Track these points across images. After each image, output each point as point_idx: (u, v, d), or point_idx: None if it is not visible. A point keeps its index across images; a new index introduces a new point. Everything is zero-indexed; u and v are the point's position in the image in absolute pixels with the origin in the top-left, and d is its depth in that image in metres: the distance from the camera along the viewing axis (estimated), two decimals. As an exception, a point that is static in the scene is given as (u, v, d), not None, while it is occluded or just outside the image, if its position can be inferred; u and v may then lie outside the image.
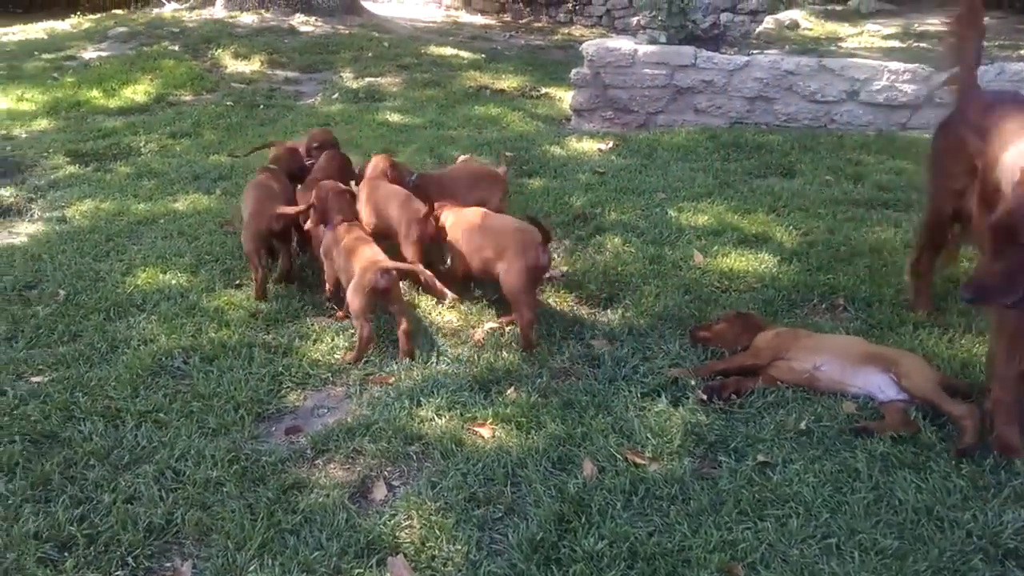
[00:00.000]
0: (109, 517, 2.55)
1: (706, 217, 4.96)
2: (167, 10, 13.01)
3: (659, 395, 3.18)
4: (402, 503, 2.60)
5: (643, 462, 2.78)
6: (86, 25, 12.33)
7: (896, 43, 8.91)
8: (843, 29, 9.87)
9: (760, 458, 2.80)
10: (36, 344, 3.60)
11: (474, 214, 3.89)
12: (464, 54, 10.68)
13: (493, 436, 2.95)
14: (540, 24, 14.50)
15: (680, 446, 2.87)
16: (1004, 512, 2.53)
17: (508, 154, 6.03)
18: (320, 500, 2.61)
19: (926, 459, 2.79)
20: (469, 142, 6.63)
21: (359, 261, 3.53)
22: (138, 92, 8.33)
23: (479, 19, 14.89)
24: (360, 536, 2.45)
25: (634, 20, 13.07)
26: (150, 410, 3.10)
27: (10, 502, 2.60)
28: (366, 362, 3.45)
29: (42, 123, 7.44)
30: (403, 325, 3.49)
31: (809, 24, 10.44)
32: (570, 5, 14.62)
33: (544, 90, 8.92)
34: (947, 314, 3.79)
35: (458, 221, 3.88)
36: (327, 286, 3.90)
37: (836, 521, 2.50)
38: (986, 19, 9.62)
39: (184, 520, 2.54)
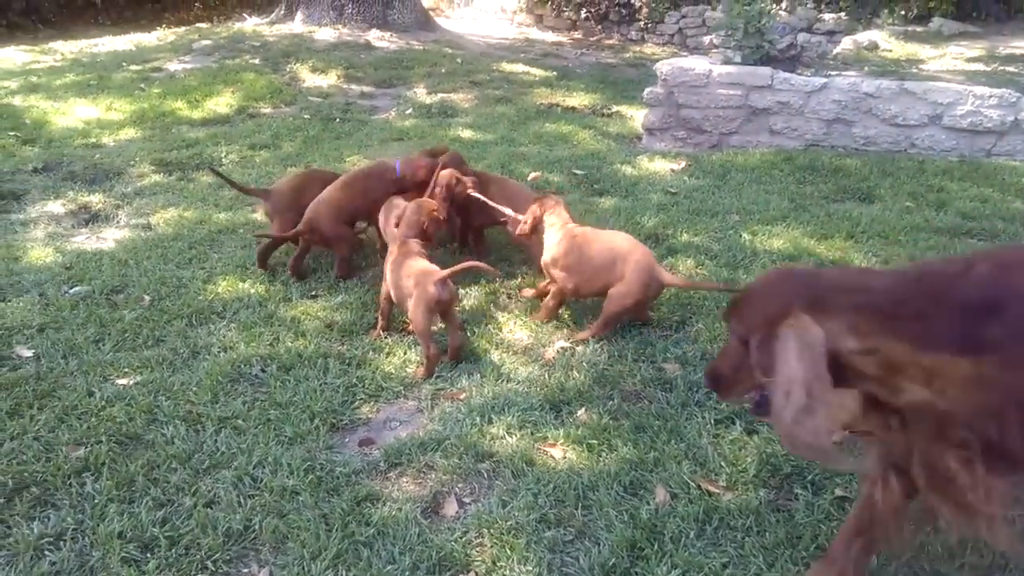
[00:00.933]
0: (190, 520, 2.62)
1: (781, 241, 4.88)
2: (248, 24, 13.41)
3: (733, 423, 3.13)
4: (473, 520, 2.61)
5: (717, 491, 2.74)
6: (171, 38, 12.78)
7: (980, 66, 8.65)
8: (924, 51, 9.63)
9: (838, 492, 2.74)
10: (122, 347, 3.73)
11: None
12: (535, 71, 10.75)
13: (564, 457, 2.94)
14: (611, 42, 14.52)
15: (755, 476, 2.82)
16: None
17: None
18: (393, 513, 2.64)
19: (1014, 501, 2.69)
20: (540, 159, 6.65)
21: (411, 275, 3.60)
22: (220, 104, 8.59)
23: (550, 36, 14.97)
24: (432, 552, 2.46)
25: (706, 39, 13.02)
26: (229, 416, 3.18)
27: (96, 501, 2.69)
28: (437, 377, 3.48)
29: (129, 132, 7.72)
30: (453, 341, 3.58)
31: (888, 45, 10.22)
32: (642, 23, 14.61)
33: (615, 108, 8.91)
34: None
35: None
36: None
37: (918, 559, 2.42)
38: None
39: (261, 527, 2.59)
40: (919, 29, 11.29)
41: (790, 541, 2.52)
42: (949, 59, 9.34)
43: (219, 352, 3.66)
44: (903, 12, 11.99)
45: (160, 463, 2.90)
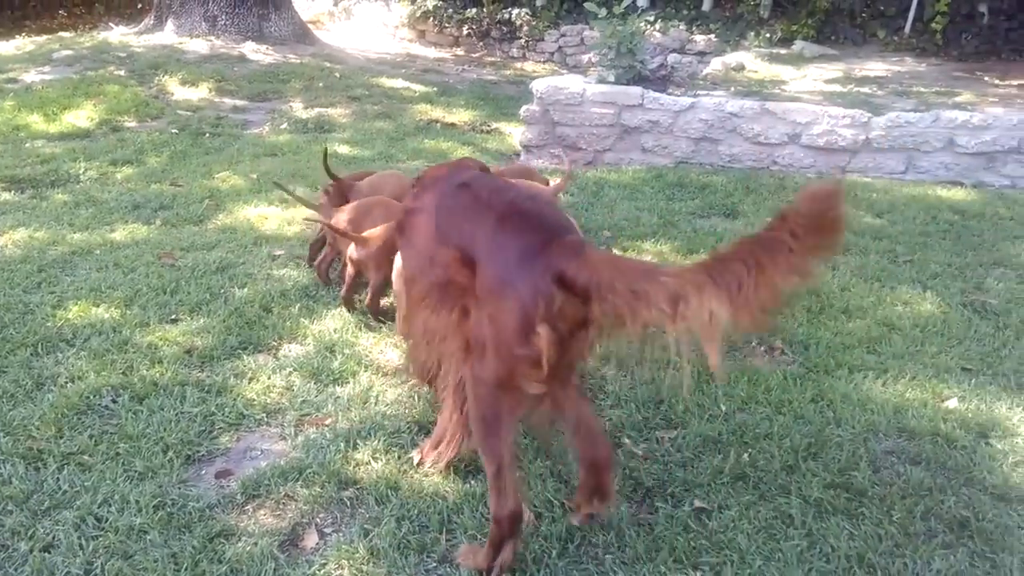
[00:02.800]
0: (25, 566, 2.45)
1: (650, 257, 5.00)
2: (115, 34, 12.82)
3: (598, 438, 3.17)
4: (333, 552, 2.54)
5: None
6: (30, 47, 12.08)
7: (838, 87, 9.14)
8: (787, 72, 10.11)
9: (697, 503, 2.81)
10: (-43, 380, 3.46)
11: None
12: (416, 87, 10.71)
13: (430, 480, 2.90)
14: (493, 59, 14.63)
15: (618, 491, 2.86)
16: (933, 560, 2.57)
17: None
18: (248, 549, 2.53)
19: (859, 505, 2.82)
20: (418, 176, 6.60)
21: None
22: (80, 117, 8.16)
23: (432, 52, 14.96)
24: (288, 587, 2.38)
25: (585, 57, 13.30)
26: (74, 451, 2.99)
27: (-82, 551, 2.48)
28: (302, 402, 3.38)
29: (-23, 147, 7.23)
30: None
31: (755, 66, 10.67)
32: (523, 41, 14.79)
33: (495, 125, 8.97)
34: (882, 357, 3.87)
35: None
36: None
37: (769, 569, 2.51)
38: (922, 66, 9.91)
39: (104, 570, 2.44)
40: (783, 51, 11.86)
41: (649, 555, 2.56)
42: (810, 80, 9.83)
43: (66, 383, 3.44)
44: (768, 35, 12.57)
45: (-6, 506, 2.70)
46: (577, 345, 2.25)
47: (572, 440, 2.58)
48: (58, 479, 2.84)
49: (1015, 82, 9.32)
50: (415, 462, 2.95)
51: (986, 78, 9.61)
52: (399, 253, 3.19)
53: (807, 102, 7.46)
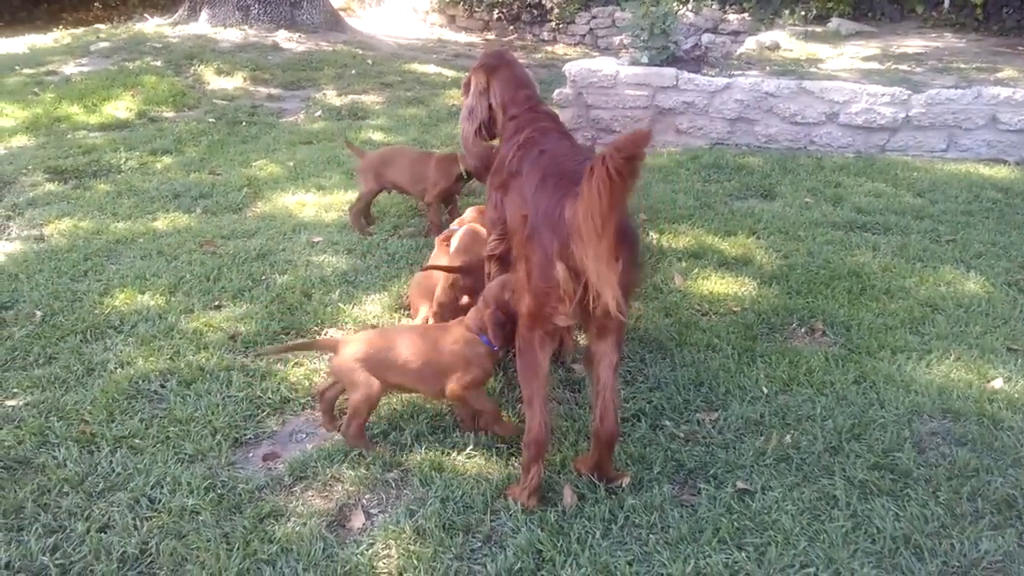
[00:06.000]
0: (82, 547, 2.51)
1: (687, 239, 4.98)
2: (150, 25, 12.98)
3: (639, 420, 3.18)
4: (380, 532, 2.58)
5: (623, 489, 2.78)
6: (67, 40, 12.28)
7: (875, 65, 9.00)
8: (823, 50, 9.97)
9: (739, 485, 2.81)
10: (11, 367, 3.56)
11: None
12: (448, 72, 10.71)
13: (473, 462, 2.93)
14: (524, 42, 14.59)
15: (660, 472, 2.87)
16: (981, 541, 2.55)
17: None
18: (297, 529, 2.58)
19: (904, 486, 2.80)
20: (452, 161, 6.62)
21: None
22: (119, 108, 8.29)
23: (463, 37, 14.95)
24: (337, 567, 2.43)
25: (616, 40, 13.19)
26: (126, 435, 3.06)
27: (-19, 531, 2.56)
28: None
29: (21, 139, 7.38)
30: None
31: (790, 45, 10.55)
32: (553, 24, 14.72)
33: (527, 109, 8.93)
34: (925, 338, 3.82)
35: None
36: None
37: (814, 550, 2.50)
38: (962, 42, 9.75)
39: (159, 550, 2.50)
40: (819, 29, 11.69)
41: (693, 535, 2.57)
42: (847, 58, 9.69)
43: (115, 368, 3.52)
44: (803, 13, 12.40)
45: (51, 487, 2.78)
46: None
47: (593, 405, 2.76)
48: (111, 462, 2.91)
49: (1060, 56, 9.10)
50: None
51: (1029, 53, 9.39)
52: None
53: (844, 80, 7.35)
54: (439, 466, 2.90)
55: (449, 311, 3.60)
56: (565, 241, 2.41)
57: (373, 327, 3.83)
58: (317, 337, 3.79)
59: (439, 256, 3.99)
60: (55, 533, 2.57)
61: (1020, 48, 9.87)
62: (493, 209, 3.32)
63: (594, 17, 14.36)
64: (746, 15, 12.91)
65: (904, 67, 8.60)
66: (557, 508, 2.68)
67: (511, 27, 15.14)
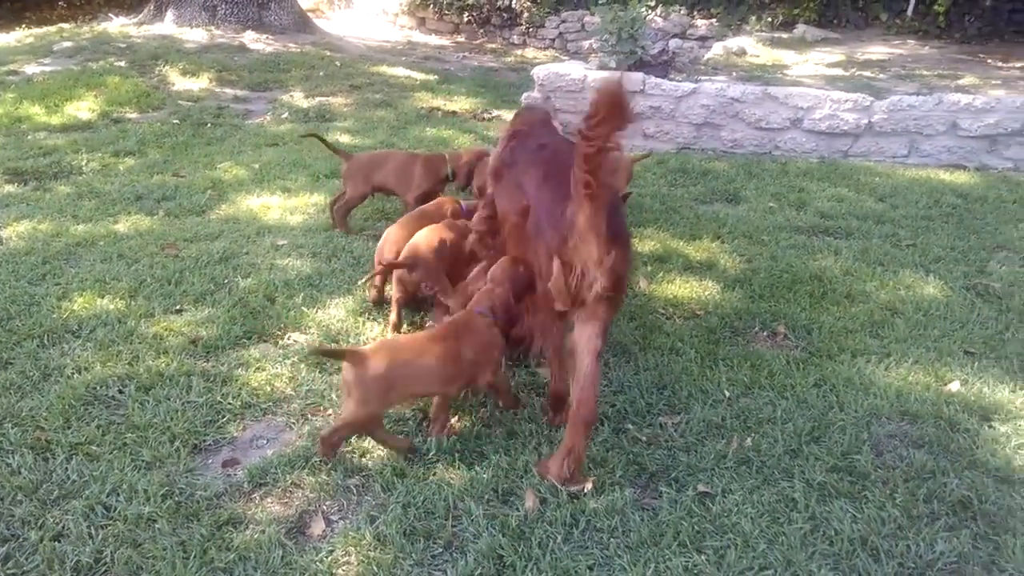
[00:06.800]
0: (35, 556, 2.47)
1: (653, 243, 5.01)
2: (114, 25, 12.80)
3: (602, 423, 3.19)
4: (340, 539, 2.56)
5: (585, 494, 2.78)
6: (30, 39, 12.06)
7: (840, 71, 9.12)
8: (789, 56, 10.08)
9: (700, 488, 2.83)
10: (-36, 372, 3.48)
11: None
12: (417, 75, 10.69)
13: (436, 467, 2.92)
14: (494, 45, 14.60)
15: (622, 476, 2.88)
16: (936, 542, 2.58)
17: None
18: (256, 536, 2.56)
19: (862, 488, 2.84)
20: (419, 164, 6.60)
21: None
22: (81, 109, 8.16)
23: (433, 39, 14.93)
24: (295, 574, 2.40)
25: (586, 44, 13.25)
26: (82, 442, 3.01)
27: (-71, 541, 2.50)
28: (308, 391, 3.40)
29: (-21, 139, 7.23)
30: None
31: (756, 51, 10.64)
32: (524, 27, 14.75)
33: (496, 112, 8.95)
34: (885, 341, 3.87)
35: None
36: None
37: (773, 552, 2.53)
38: (925, 49, 9.89)
39: (114, 558, 2.46)
40: (785, 35, 11.82)
41: (653, 539, 2.58)
42: (812, 64, 9.80)
43: (73, 374, 3.46)
44: (770, 19, 12.53)
45: (4, 495, 2.72)
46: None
47: (573, 391, 2.85)
48: (66, 469, 2.86)
49: (1018, 64, 9.29)
50: None
51: (989, 60, 9.58)
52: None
53: (809, 86, 7.44)
54: (401, 472, 2.88)
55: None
56: (564, 238, 2.67)
57: (374, 339, 3.81)
58: (336, 345, 3.72)
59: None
60: (7, 542, 2.52)
61: (981, 55, 10.06)
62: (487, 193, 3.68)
63: (564, 21, 14.41)
64: (714, 21, 13.03)
65: (868, 73, 8.73)
66: (519, 512, 2.68)
67: (481, 30, 15.14)
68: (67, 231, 5.08)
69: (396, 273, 3.84)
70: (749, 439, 3.09)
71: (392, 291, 3.92)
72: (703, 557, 2.50)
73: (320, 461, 2.91)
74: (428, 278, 3.77)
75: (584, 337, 2.81)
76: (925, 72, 8.72)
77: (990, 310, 4.23)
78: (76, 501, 2.70)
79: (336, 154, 5.34)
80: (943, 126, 6.88)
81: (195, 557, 2.45)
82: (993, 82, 8.00)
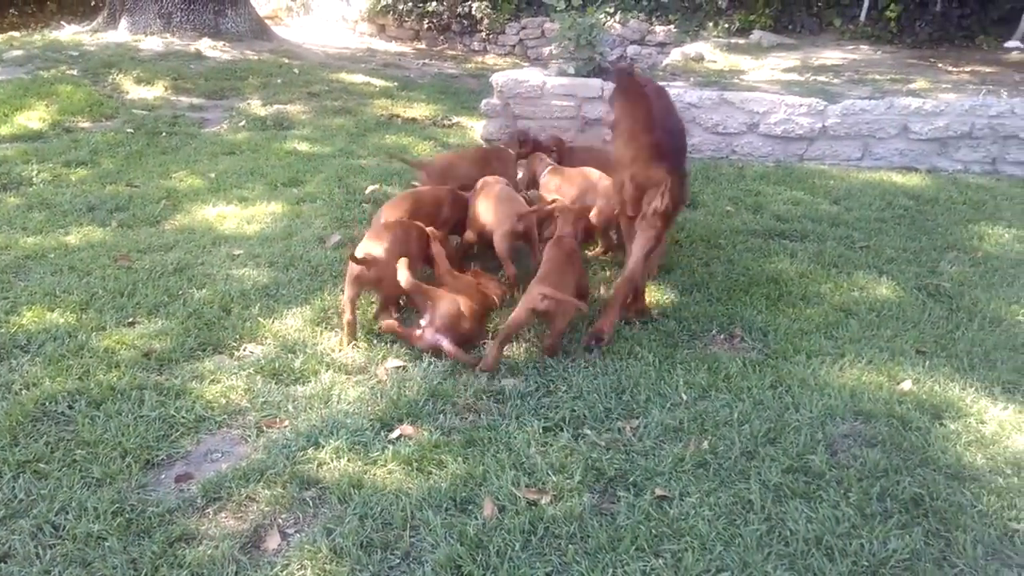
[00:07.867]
0: (-21, 578, 2.41)
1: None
2: (66, 33, 12.57)
3: (561, 429, 3.19)
4: (296, 552, 2.53)
5: (543, 500, 2.78)
6: (-22, 47, 11.78)
7: (795, 76, 9.24)
8: (745, 62, 10.19)
9: (658, 492, 2.84)
10: (-94, 391, 3.39)
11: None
12: (376, 82, 10.64)
13: (393, 477, 2.90)
14: (454, 52, 14.58)
15: (580, 482, 2.88)
16: (889, 540, 2.62)
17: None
18: (209, 552, 2.51)
19: (817, 488, 2.87)
20: (379, 172, 6.58)
21: None
22: (32, 119, 7.98)
23: (393, 46, 14.88)
24: (249, 589, 2.37)
25: (546, 50, 13.30)
26: (30, 459, 2.94)
27: None
28: (264, 403, 3.36)
29: (-75, 151, 7.05)
30: None
31: (714, 57, 10.75)
32: (484, 34, 14.75)
33: (456, 119, 8.94)
34: (839, 342, 3.93)
35: None
36: None
37: (729, 554, 2.54)
38: (877, 54, 10.04)
39: (61, 579, 2.41)
40: (741, 41, 11.96)
41: (611, 544, 2.59)
42: (768, 69, 9.92)
43: (21, 390, 3.38)
44: (727, 25, 12.67)
45: (-53, 517, 2.65)
46: None
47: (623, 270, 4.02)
48: (13, 488, 2.79)
49: (967, 68, 9.50)
50: None
51: (939, 65, 9.77)
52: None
53: (765, 91, 7.53)
54: (358, 483, 2.85)
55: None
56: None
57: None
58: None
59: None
60: (-50, 565, 2.46)
61: (932, 60, 10.26)
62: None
63: (524, 28, 14.45)
64: (672, 27, 13.14)
65: (822, 78, 8.85)
66: (477, 521, 2.66)
67: (441, 37, 15.12)
68: (16, 243, 4.97)
69: (354, 270, 3.80)
70: (706, 442, 3.11)
71: (346, 288, 3.85)
72: (661, 561, 2.51)
73: (275, 474, 2.87)
74: (383, 282, 3.77)
75: (641, 233, 3.93)
76: (878, 76, 8.87)
77: (941, 309, 4.31)
78: (23, 520, 2.64)
79: (412, 165, 5.65)
80: (895, 129, 7.01)
81: (146, 575, 2.40)
82: (943, 86, 8.16)
